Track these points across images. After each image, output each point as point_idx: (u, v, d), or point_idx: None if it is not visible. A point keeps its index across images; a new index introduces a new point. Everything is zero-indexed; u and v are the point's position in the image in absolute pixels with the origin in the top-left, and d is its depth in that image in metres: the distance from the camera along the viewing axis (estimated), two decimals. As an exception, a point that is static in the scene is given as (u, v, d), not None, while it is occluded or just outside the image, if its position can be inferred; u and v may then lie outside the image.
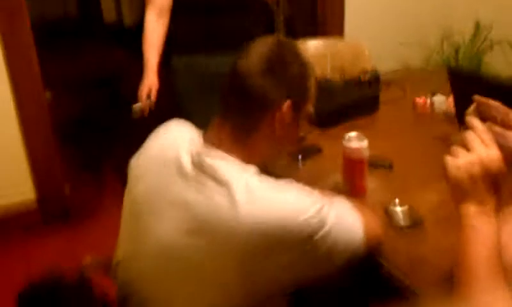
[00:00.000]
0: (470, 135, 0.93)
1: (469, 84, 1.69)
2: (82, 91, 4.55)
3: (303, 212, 1.01)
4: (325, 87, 2.13)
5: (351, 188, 1.47)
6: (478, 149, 0.90)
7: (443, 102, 2.03)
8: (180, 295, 1.08)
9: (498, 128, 0.99)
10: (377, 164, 1.60)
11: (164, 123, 1.28)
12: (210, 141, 1.14)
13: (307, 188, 1.10)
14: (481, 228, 0.88)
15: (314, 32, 3.15)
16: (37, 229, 2.81)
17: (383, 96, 2.13)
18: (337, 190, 1.46)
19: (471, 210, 0.90)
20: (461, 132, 0.96)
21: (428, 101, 2.06)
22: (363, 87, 2.19)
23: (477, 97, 1.03)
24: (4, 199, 2.76)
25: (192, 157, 1.11)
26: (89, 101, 4.40)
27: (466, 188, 0.91)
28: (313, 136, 1.83)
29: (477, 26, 3.18)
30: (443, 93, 2.05)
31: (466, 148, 0.92)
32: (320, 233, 1.03)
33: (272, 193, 1.04)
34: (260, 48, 1.14)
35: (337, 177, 1.52)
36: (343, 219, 1.10)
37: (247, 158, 1.12)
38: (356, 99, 2.04)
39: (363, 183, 1.48)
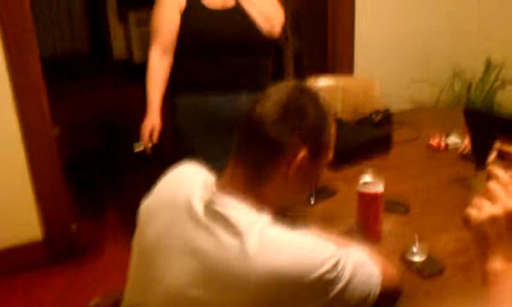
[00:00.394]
0: (493, 186, 0.87)
1: (486, 124, 1.65)
2: (90, 127, 4.56)
3: (318, 266, 0.96)
4: (337, 126, 2.10)
5: (366, 233, 1.42)
6: (503, 200, 0.85)
7: (457, 142, 1.99)
8: None
9: None
10: (393, 208, 1.56)
11: (176, 165, 1.24)
12: (223, 187, 1.10)
13: (323, 237, 1.06)
14: (510, 285, 0.83)
15: (323, 69, 3.13)
16: (43, 268, 2.76)
17: (396, 136, 2.10)
18: (351, 234, 1.43)
19: (497, 267, 0.84)
20: (478, 175, 0.92)
21: (443, 142, 2.01)
22: (375, 127, 2.16)
23: (498, 145, 1.00)
24: (10, 237, 2.71)
25: (204, 203, 1.07)
26: (98, 137, 4.40)
27: (491, 244, 0.85)
28: (325, 177, 1.78)
29: (488, 64, 3.16)
30: (457, 132, 2.01)
31: (490, 199, 0.87)
32: (337, 288, 0.99)
33: (286, 244, 0.99)
34: (277, 94, 1.11)
35: (351, 221, 1.48)
36: (360, 270, 1.05)
37: (261, 206, 1.07)
38: (368, 139, 2.00)
39: (378, 228, 1.43)
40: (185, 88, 2.27)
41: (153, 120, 2.17)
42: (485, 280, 0.85)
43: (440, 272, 1.28)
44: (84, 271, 2.77)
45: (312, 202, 1.65)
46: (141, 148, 2.12)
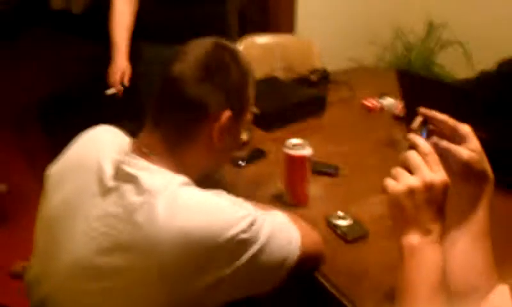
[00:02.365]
0: (413, 156, 0.83)
1: (419, 86, 1.63)
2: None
3: (232, 225, 0.93)
4: (271, 86, 2.05)
5: (292, 197, 1.39)
6: (422, 172, 0.81)
7: (392, 104, 1.97)
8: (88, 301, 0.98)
9: (445, 143, 0.92)
10: (321, 171, 1.52)
11: (91, 128, 1.16)
12: (139, 148, 1.04)
13: (240, 200, 1.02)
14: (426, 259, 0.81)
15: (264, 28, 3.05)
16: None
17: (332, 97, 2.05)
18: (277, 198, 1.41)
19: (414, 241, 0.81)
20: (407, 138, 0.88)
21: (378, 103, 1.99)
22: (311, 87, 2.12)
23: (422, 110, 0.96)
24: None
25: (116, 165, 1.01)
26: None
27: (408, 217, 0.82)
28: (257, 139, 1.74)
29: (430, 25, 3.15)
30: (393, 95, 1.98)
31: (409, 169, 0.83)
32: (252, 249, 0.95)
33: (199, 205, 0.95)
34: (197, 52, 1.05)
35: (279, 184, 1.44)
36: (278, 234, 1.02)
37: (181, 169, 1.02)
38: (302, 99, 1.96)
39: (305, 192, 1.39)
40: (150, 37, 2.18)
41: (122, 64, 2.09)
42: (401, 254, 0.83)
43: (364, 236, 1.27)
44: (14, 233, 2.65)
45: (243, 164, 1.59)
46: (113, 91, 2.05)
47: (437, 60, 3.15)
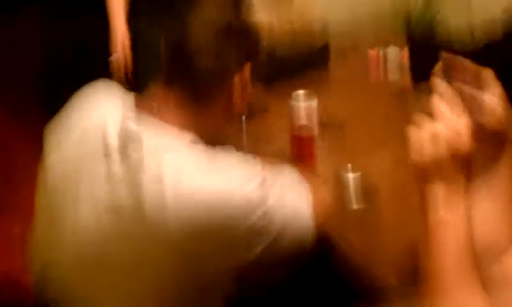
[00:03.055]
0: (436, 101, 0.78)
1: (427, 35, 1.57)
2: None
3: (241, 186, 0.91)
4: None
5: (299, 154, 1.35)
6: (446, 117, 0.76)
7: (397, 54, 1.90)
8: (103, 289, 0.95)
9: (468, 90, 0.86)
10: (327, 124, 1.47)
11: (90, 84, 1.08)
12: (146, 107, 0.98)
13: (248, 158, 0.99)
14: (450, 219, 0.75)
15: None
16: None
17: (334, 48, 1.99)
18: (284, 155, 1.36)
19: (439, 193, 0.76)
20: (418, 88, 0.83)
21: (381, 53, 1.92)
22: (312, 38, 2.05)
23: (444, 54, 0.90)
24: None
25: (119, 125, 0.95)
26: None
27: (433, 165, 0.77)
28: (257, 93, 1.67)
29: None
30: (397, 44, 1.91)
31: (432, 116, 0.78)
32: (263, 209, 0.92)
33: (207, 166, 0.91)
34: (213, 8, 0.99)
35: (284, 140, 1.39)
36: (289, 193, 0.99)
37: (190, 128, 0.97)
38: (304, 50, 1.89)
39: (312, 148, 1.35)
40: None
41: (121, 32, 2.05)
42: (425, 205, 0.78)
43: (375, 192, 1.22)
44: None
45: (244, 127, 1.54)
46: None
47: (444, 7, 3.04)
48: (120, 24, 2.06)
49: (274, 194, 0.94)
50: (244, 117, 1.54)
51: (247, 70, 1.02)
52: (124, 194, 0.91)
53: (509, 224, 0.87)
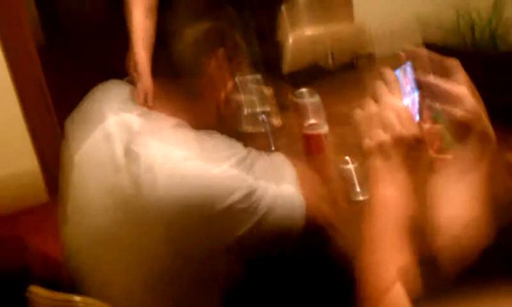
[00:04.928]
0: (377, 85, 0.86)
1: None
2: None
3: (219, 166, 0.98)
4: (314, 72, 2.09)
5: (308, 148, 1.42)
6: (384, 99, 0.84)
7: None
8: (109, 268, 1.07)
9: (431, 78, 0.91)
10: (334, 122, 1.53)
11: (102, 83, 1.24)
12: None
13: (232, 141, 1.07)
14: (387, 194, 0.82)
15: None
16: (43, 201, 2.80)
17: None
18: (292, 148, 1.43)
19: (377, 164, 0.84)
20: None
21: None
22: (353, 71, 2.11)
23: (403, 48, 0.95)
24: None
25: (116, 115, 1.09)
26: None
27: (373, 143, 0.84)
28: (283, 94, 1.76)
29: (496, 2, 2.97)
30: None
31: (374, 98, 0.85)
32: (243, 189, 0.99)
33: (189, 150, 1.01)
34: (189, 3, 1.13)
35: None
36: (274, 173, 1.06)
37: (179, 114, 1.09)
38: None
39: (321, 144, 1.41)
40: None
41: (144, 85, 2.07)
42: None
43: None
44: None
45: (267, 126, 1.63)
46: None
47: (503, 39, 2.96)
48: (145, 78, 1.97)
49: (255, 172, 1.00)
50: (265, 116, 1.64)
51: (221, 55, 1.10)
52: (126, 182, 1.01)
53: (479, 211, 0.87)
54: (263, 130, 1.60)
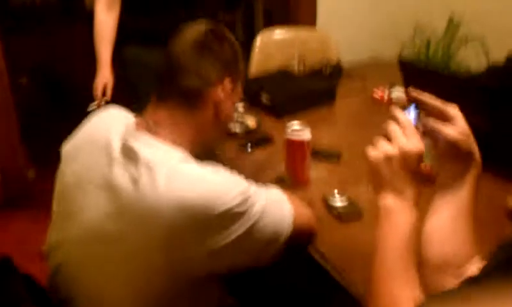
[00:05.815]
0: (391, 126, 0.91)
1: (421, 77, 1.68)
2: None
3: (226, 192, 1.00)
4: (284, 78, 2.13)
5: (293, 179, 1.46)
6: (398, 139, 0.89)
7: (401, 93, 2.01)
8: (107, 279, 1.07)
9: (432, 123, 0.97)
10: (324, 155, 1.59)
11: (103, 108, 1.27)
12: (143, 124, 1.13)
13: (236, 175, 1.08)
14: (398, 218, 0.87)
15: (286, 21, 3.12)
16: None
17: (343, 89, 2.11)
18: (280, 181, 1.46)
19: (389, 203, 0.88)
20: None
21: (386, 93, 2.04)
22: (322, 79, 2.18)
23: (410, 89, 1.01)
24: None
25: (121, 141, 1.10)
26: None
27: (385, 180, 0.89)
28: (266, 126, 1.81)
29: (450, 22, 3.16)
30: (401, 86, 2.02)
31: (388, 138, 0.90)
32: (246, 223, 1.02)
33: (197, 178, 1.02)
34: (193, 31, 1.17)
35: (282, 168, 1.50)
36: (271, 210, 1.08)
37: (184, 142, 1.11)
38: (311, 89, 2.02)
39: (305, 174, 1.46)
40: (132, 41, 2.22)
41: (104, 77, 2.12)
42: (378, 214, 0.90)
43: (359, 217, 1.32)
44: (42, 217, 2.77)
45: (249, 150, 1.67)
46: (94, 108, 2.05)
47: (456, 56, 3.15)
48: (105, 69, 2.11)
49: (256, 211, 1.03)
50: (249, 145, 1.68)
51: (227, 83, 1.16)
52: (125, 198, 1.02)
53: (469, 241, 0.95)
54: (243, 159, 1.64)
